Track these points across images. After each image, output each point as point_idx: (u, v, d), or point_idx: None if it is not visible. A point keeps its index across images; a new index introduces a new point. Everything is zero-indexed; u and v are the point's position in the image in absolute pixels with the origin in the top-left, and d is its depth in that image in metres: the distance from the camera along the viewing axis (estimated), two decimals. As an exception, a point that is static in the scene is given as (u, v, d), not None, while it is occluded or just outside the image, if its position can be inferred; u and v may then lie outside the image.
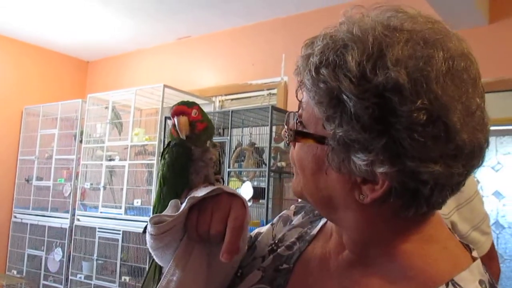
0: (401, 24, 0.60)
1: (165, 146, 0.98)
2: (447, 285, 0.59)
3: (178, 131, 0.90)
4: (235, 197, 0.79)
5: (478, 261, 0.63)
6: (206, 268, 0.81)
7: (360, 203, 0.61)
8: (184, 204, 0.79)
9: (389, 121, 0.55)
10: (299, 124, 0.67)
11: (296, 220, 0.91)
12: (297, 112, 0.69)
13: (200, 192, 0.80)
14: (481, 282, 0.60)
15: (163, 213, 0.81)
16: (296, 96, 0.70)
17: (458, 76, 0.57)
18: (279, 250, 0.84)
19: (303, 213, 0.91)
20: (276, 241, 0.87)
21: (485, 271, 0.63)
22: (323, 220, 0.84)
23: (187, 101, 0.95)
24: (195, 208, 0.78)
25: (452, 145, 0.55)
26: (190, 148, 0.93)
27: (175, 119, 0.91)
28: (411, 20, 0.61)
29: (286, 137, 0.70)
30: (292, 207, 0.96)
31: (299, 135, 0.66)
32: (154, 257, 0.84)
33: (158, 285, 0.78)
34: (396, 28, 0.59)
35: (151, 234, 0.78)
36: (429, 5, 3.09)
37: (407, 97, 0.54)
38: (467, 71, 0.58)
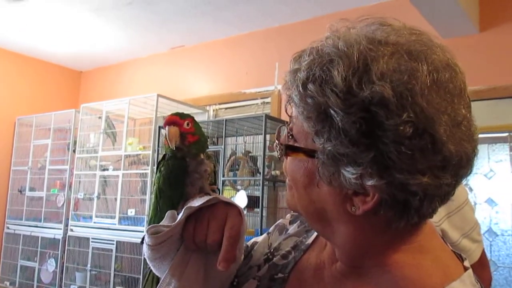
0: (386, 37, 0.61)
1: (160, 159, 0.99)
2: None
3: (168, 140, 0.92)
4: (231, 206, 0.80)
5: (470, 271, 0.64)
6: (203, 278, 0.82)
7: (352, 215, 0.61)
8: (180, 214, 0.80)
9: (376, 135, 0.55)
10: (290, 137, 0.68)
11: (292, 229, 0.91)
12: (288, 125, 0.69)
13: (196, 202, 0.81)
14: None
15: (160, 223, 0.82)
16: (286, 111, 0.70)
17: (443, 87, 0.57)
18: (274, 259, 0.84)
19: (298, 222, 0.91)
20: (272, 250, 0.88)
21: (476, 281, 0.63)
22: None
23: (182, 112, 0.96)
24: (192, 218, 0.79)
25: (439, 157, 0.56)
26: (185, 160, 0.94)
27: (166, 129, 0.93)
28: (396, 33, 0.62)
29: (277, 151, 0.71)
30: (288, 216, 0.96)
31: (289, 149, 0.66)
32: (152, 268, 0.85)
33: None
34: (381, 41, 0.60)
35: (148, 245, 0.79)
36: (420, 14, 3.13)
37: (393, 110, 0.54)
38: (452, 82, 0.59)
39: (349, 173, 0.58)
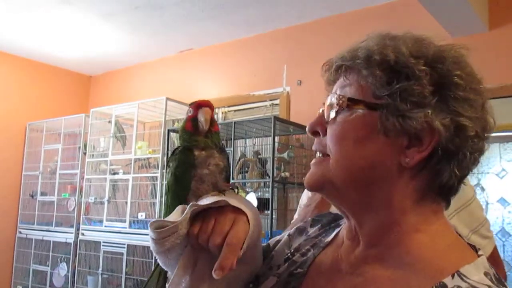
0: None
1: (171, 153, 0.95)
2: (452, 276, 0.62)
3: (202, 121, 0.88)
4: (240, 212, 0.78)
5: (484, 257, 0.66)
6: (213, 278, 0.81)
7: (400, 171, 0.68)
8: (185, 211, 0.79)
9: (438, 83, 0.67)
10: (341, 101, 0.72)
11: (313, 232, 0.92)
12: (335, 95, 0.74)
13: (206, 201, 0.80)
14: (486, 274, 0.63)
15: (167, 218, 0.81)
16: (328, 84, 0.80)
17: (468, 65, 0.75)
18: (294, 257, 0.86)
19: (319, 225, 0.93)
20: (292, 251, 0.89)
21: (490, 266, 0.65)
22: (337, 229, 0.87)
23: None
24: (200, 216, 0.78)
25: (482, 113, 0.70)
26: (193, 152, 0.90)
27: (201, 110, 0.89)
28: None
29: (335, 106, 0.73)
30: (309, 219, 0.97)
31: (351, 101, 0.71)
32: (158, 260, 0.83)
33: None
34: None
35: (152, 239, 0.78)
36: (428, 13, 3.11)
37: (449, 66, 0.69)
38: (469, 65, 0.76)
39: (417, 114, 0.65)
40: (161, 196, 3.97)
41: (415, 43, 0.70)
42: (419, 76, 0.66)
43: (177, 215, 0.80)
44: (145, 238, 3.92)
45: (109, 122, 4.52)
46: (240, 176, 3.71)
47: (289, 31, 4.27)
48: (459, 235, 0.72)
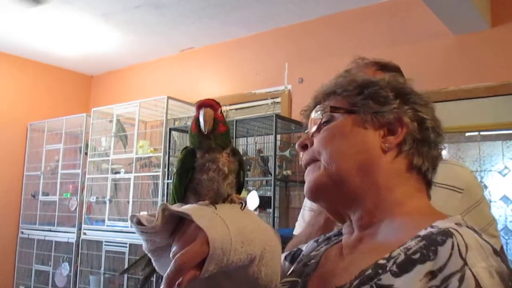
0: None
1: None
2: (425, 228, 0.72)
3: (202, 123, 0.84)
4: (202, 231, 0.75)
5: (459, 217, 0.76)
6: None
7: (382, 154, 0.83)
8: (157, 212, 0.78)
9: (398, 91, 0.87)
10: (326, 108, 0.89)
11: (334, 239, 1.00)
12: (321, 112, 0.90)
13: (180, 207, 0.79)
14: (457, 223, 0.72)
15: (149, 213, 0.81)
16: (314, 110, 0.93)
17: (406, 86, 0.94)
18: (304, 255, 1.00)
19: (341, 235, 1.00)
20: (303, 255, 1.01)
21: (465, 222, 0.74)
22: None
23: (217, 102, 0.89)
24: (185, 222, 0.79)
25: (434, 114, 0.91)
26: (194, 155, 0.86)
27: (201, 111, 0.86)
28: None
29: (320, 116, 0.89)
30: (335, 231, 1.05)
31: (334, 108, 0.87)
32: (154, 263, 0.84)
33: None
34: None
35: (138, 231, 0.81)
36: (430, 11, 3.10)
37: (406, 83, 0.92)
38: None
39: (387, 109, 0.85)
40: (163, 195, 3.97)
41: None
42: (382, 86, 0.87)
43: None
44: (147, 238, 3.91)
45: (110, 121, 4.52)
46: (242, 174, 3.71)
47: (290, 29, 4.26)
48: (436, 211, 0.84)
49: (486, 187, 3.26)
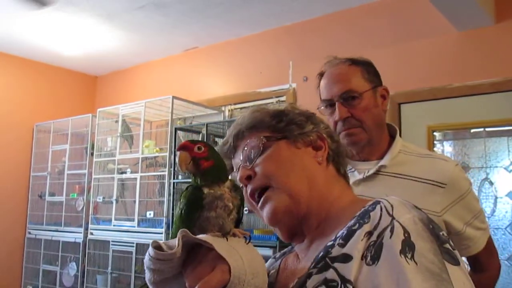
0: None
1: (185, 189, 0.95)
2: (360, 210, 0.83)
3: (178, 165, 0.91)
4: (223, 260, 0.79)
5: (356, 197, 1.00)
6: None
7: (318, 166, 0.97)
8: (177, 238, 0.80)
9: (310, 119, 1.02)
10: (261, 140, 0.97)
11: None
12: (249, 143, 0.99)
13: (198, 236, 0.82)
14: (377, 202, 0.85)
15: (168, 241, 0.83)
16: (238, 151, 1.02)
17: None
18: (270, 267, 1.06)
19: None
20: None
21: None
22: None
23: (196, 140, 0.94)
24: (195, 253, 0.83)
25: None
26: (201, 190, 0.89)
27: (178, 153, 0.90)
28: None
29: (258, 147, 0.96)
30: (290, 247, 1.14)
31: (267, 138, 0.96)
32: (146, 276, 0.85)
33: None
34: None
35: (149, 255, 0.83)
36: (434, 7, 3.09)
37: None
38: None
39: (307, 129, 0.98)
40: (169, 195, 3.98)
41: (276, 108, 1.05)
42: (295, 112, 1.01)
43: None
44: (154, 237, 3.93)
45: (116, 121, 4.54)
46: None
47: (294, 27, 4.26)
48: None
49: (492, 183, 3.25)
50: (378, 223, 0.77)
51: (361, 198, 0.97)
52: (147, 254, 0.82)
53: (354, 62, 1.58)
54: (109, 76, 5.90)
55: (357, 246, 0.76)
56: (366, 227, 0.77)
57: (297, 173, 0.94)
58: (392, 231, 0.74)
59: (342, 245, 0.78)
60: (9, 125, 5.15)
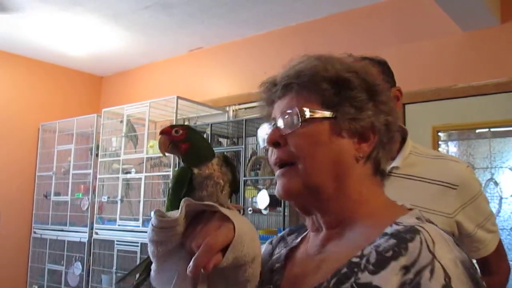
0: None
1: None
2: (391, 225, 0.78)
3: (158, 148, 0.93)
4: (228, 219, 0.81)
5: (416, 210, 0.84)
6: None
7: (356, 162, 0.85)
8: (180, 206, 0.81)
9: (368, 91, 0.86)
10: (302, 112, 0.85)
11: (289, 239, 1.04)
12: (287, 116, 0.87)
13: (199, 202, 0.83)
14: (418, 218, 0.80)
15: (168, 213, 0.84)
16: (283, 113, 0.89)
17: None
18: (271, 260, 0.98)
19: (296, 233, 1.04)
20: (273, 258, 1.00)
21: (422, 215, 0.83)
22: (306, 232, 0.99)
23: (177, 124, 0.96)
24: (194, 222, 0.83)
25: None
26: (190, 169, 0.91)
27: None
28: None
29: (296, 118, 0.85)
30: (287, 229, 1.09)
31: (311, 112, 0.85)
32: (149, 249, 0.85)
33: None
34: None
35: (151, 225, 0.82)
36: (439, 7, 3.09)
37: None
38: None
39: (363, 116, 0.84)
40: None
41: (342, 61, 0.88)
42: (356, 86, 0.85)
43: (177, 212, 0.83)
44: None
45: (121, 122, 4.54)
46: (252, 173, 3.72)
47: (299, 28, 4.26)
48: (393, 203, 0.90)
49: (497, 184, 3.25)
50: (417, 258, 0.71)
51: (391, 203, 0.89)
52: (149, 226, 0.84)
53: (371, 61, 1.56)
54: (114, 77, 5.92)
55: (391, 279, 0.70)
56: (403, 260, 0.71)
57: (327, 166, 0.84)
58: (432, 272, 0.69)
59: (373, 273, 0.72)
60: (15, 125, 5.17)
